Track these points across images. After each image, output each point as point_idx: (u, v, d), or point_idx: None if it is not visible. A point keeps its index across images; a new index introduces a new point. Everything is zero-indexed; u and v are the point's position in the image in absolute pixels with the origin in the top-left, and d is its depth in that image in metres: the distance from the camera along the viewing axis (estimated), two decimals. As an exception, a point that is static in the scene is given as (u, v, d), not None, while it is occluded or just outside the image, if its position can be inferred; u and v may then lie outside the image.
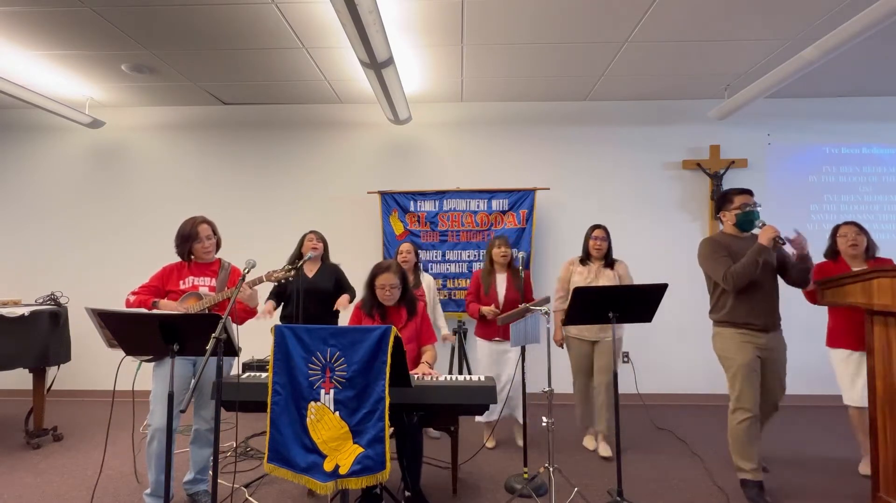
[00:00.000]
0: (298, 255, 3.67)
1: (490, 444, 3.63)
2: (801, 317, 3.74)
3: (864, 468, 3.10)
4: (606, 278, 3.47)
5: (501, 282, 3.60)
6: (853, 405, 3.02)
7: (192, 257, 2.81)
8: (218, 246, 2.88)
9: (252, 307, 2.74)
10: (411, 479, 2.57)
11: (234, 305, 2.30)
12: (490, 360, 3.57)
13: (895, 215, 4.87)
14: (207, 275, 2.80)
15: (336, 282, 3.69)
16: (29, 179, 5.21)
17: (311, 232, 3.74)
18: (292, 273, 2.71)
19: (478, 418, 3.61)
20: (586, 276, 3.49)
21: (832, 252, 3.25)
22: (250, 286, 2.64)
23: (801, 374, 4.29)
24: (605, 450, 3.44)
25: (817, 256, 3.11)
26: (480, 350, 3.63)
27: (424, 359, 2.81)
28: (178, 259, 2.84)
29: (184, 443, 3.01)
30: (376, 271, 2.79)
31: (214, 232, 2.84)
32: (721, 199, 2.95)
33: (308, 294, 3.51)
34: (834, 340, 3.14)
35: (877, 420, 2.48)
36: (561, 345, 3.62)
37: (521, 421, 3.43)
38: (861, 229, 3.15)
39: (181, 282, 2.75)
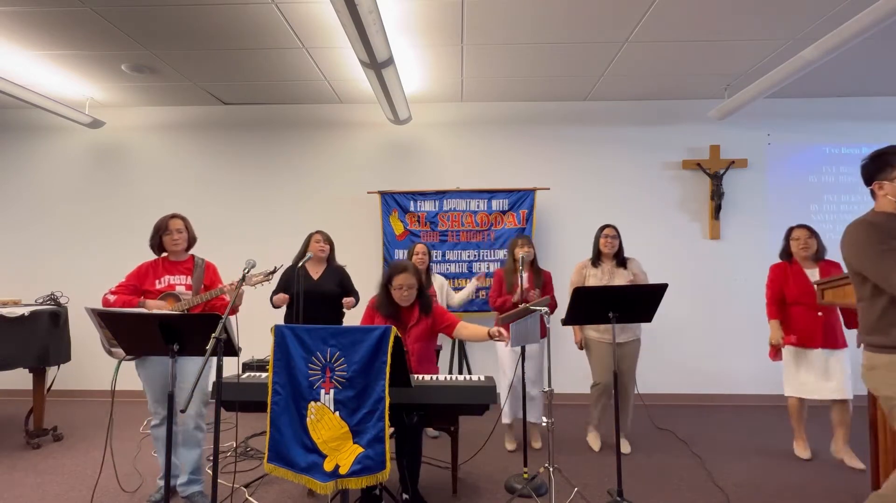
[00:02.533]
0: (304, 255, 3.65)
1: (511, 447, 3.60)
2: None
3: (799, 451, 3.43)
4: (621, 278, 3.46)
5: (524, 280, 3.57)
6: (793, 396, 3.36)
7: (165, 253, 2.85)
8: (191, 243, 2.90)
9: (237, 305, 2.73)
10: (410, 480, 2.57)
11: (208, 301, 2.47)
12: (512, 360, 3.50)
13: (895, 215, 4.87)
14: (182, 274, 2.82)
15: (340, 284, 3.64)
16: (29, 179, 5.21)
17: (317, 232, 3.68)
18: (271, 278, 2.80)
19: (504, 420, 3.54)
20: (601, 278, 3.48)
21: (786, 253, 3.46)
22: (236, 287, 2.63)
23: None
24: (626, 447, 3.51)
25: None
26: (501, 350, 3.61)
27: (471, 329, 2.76)
28: (153, 257, 2.87)
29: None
30: (393, 272, 2.74)
31: (187, 228, 2.86)
32: (877, 162, 1.95)
33: (311, 295, 3.44)
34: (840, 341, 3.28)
35: (877, 420, 2.48)
36: (581, 348, 3.60)
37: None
38: (812, 233, 3.37)
39: (157, 281, 2.77)
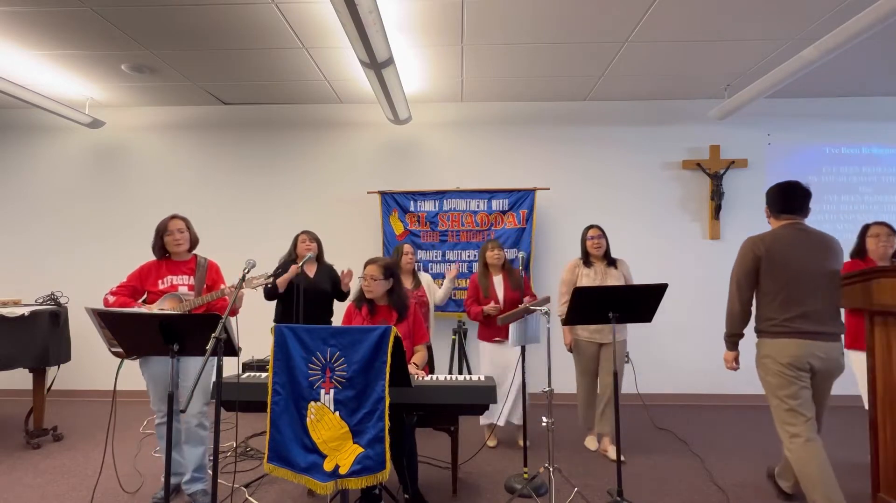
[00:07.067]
0: (293, 256, 3.68)
1: (492, 443, 3.63)
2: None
3: None
4: (613, 278, 3.46)
5: (499, 283, 3.64)
6: None
7: (167, 254, 2.84)
8: (193, 243, 2.89)
9: (237, 307, 2.75)
10: (410, 479, 2.57)
11: (211, 303, 2.55)
12: (492, 363, 3.58)
13: (895, 215, 4.87)
14: (185, 274, 2.82)
15: (332, 284, 3.71)
16: (29, 179, 5.20)
17: (303, 232, 3.73)
18: (271, 280, 2.84)
19: (482, 420, 3.65)
20: (594, 278, 3.48)
21: (859, 251, 3.14)
22: (237, 289, 2.65)
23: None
24: (614, 453, 3.39)
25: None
26: (482, 353, 3.65)
27: (413, 359, 2.82)
28: (153, 256, 2.87)
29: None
30: (365, 263, 2.85)
31: (188, 228, 2.86)
32: None
33: (308, 294, 3.53)
34: (858, 342, 2.91)
35: (877, 420, 2.48)
36: (570, 349, 3.58)
37: (518, 423, 3.46)
38: (893, 230, 3.04)
39: (160, 281, 2.77)
